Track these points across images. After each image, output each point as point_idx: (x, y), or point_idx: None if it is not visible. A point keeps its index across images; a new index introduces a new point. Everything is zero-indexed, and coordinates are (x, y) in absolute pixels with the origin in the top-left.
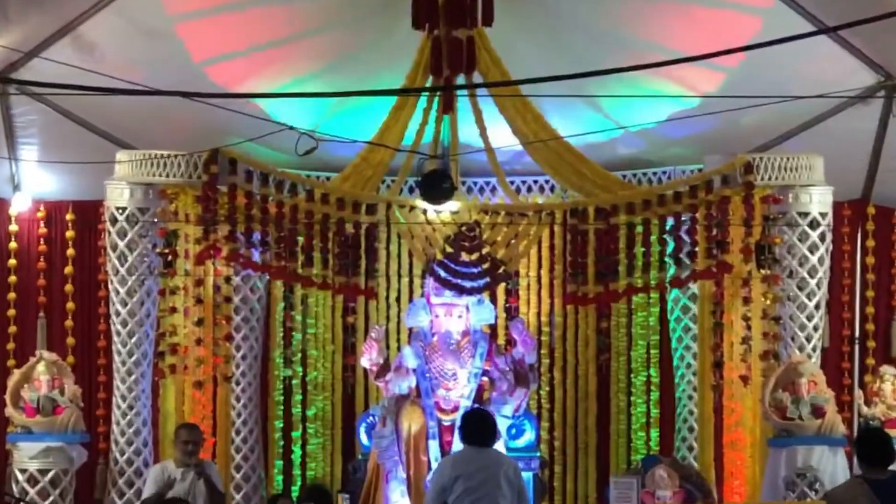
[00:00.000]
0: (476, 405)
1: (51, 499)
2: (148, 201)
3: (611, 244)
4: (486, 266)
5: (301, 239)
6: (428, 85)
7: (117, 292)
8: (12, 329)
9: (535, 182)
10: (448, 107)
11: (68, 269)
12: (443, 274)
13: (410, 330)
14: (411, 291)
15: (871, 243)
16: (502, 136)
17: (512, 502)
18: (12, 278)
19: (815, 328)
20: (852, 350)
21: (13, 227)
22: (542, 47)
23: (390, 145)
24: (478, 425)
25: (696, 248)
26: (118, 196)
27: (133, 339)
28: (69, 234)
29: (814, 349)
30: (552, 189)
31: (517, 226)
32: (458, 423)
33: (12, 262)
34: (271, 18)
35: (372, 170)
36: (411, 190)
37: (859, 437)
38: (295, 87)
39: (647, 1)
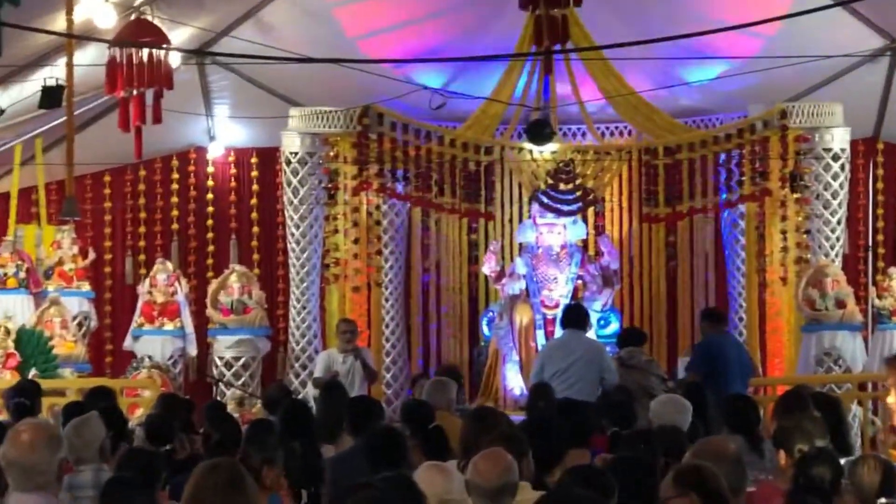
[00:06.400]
0: (573, 301)
1: (242, 379)
2: (314, 147)
3: (676, 175)
4: (578, 194)
5: (434, 175)
6: (532, 51)
7: (292, 218)
8: (210, 248)
9: (616, 128)
10: (548, 69)
11: (253, 201)
12: (545, 200)
13: (520, 244)
14: (521, 214)
15: (880, 171)
16: (590, 92)
17: (593, 376)
18: (210, 209)
19: (838, 239)
20: (866, 256)
21: (210, 169)
22: (620, 21)
23: (503, 100)
24: (573, 314)
25: (743, 178)
26: (291, 143)
27: (305, 255)
28: (254, 173)
29: (836, 255)
30: (629, 133)
31: (603, 162)
32: (559, 317)
33: (210, 196)
34: (409, 2)
35: (489, 120)
36: (520, 135)
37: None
38: (428, 56)
39: None
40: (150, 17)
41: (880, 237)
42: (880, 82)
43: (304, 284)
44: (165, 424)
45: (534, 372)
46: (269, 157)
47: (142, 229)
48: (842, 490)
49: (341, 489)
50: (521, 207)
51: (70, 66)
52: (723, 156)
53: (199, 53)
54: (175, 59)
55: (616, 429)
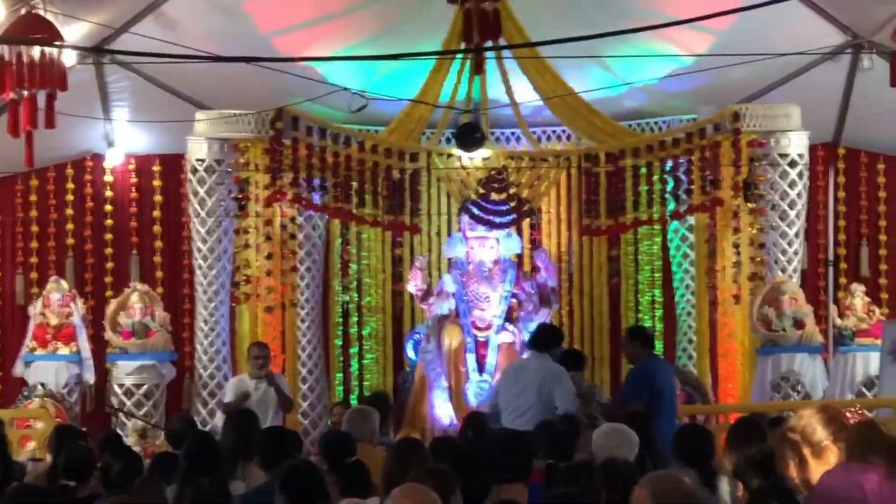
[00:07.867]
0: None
1: (145, 409)
2: (223, 154)
3: (619, 184)
4: (512, 204)
5: (354, 184)
6: (461, 48)
7: (198, 232)
8: (109, 265)
9: (554, 132)
10: (478, 68)
11: (156, 213)
12: (476, 211)
13: (449, 260)
14: (449, 227)
15: (841, 179)
16: (525, 93)
17: (546, 404)
18: (109, 222)
19: (795, 253)
20: (827, 271)
21: (108, 178)
22: (557, 15)
23: (429, 102)
24: (535, 335)
25: (692, 186)
26: (197, 150)
27: (213, 272)
28: (156, 183)
29: (794, 271)
30: (568, 137)
31: (539, 169)
32: (491, 339)
33: (108, 207)
34: None
35: (414, 124)
36: (448, 140)
37: None
38: (347, 54)
39: None
40: (41, 12)
41: (842, 251)
42: (841, 82)
43: (213, 305)
44: (87, 458)
45: (488, 399)
46: (173, 164)
47: (34, 244)
48: None
49: None
50: (449, 219)
51: None
52: (670, 162)
53: (96, 51)
54: (70, 58)
55: (551, 461)
